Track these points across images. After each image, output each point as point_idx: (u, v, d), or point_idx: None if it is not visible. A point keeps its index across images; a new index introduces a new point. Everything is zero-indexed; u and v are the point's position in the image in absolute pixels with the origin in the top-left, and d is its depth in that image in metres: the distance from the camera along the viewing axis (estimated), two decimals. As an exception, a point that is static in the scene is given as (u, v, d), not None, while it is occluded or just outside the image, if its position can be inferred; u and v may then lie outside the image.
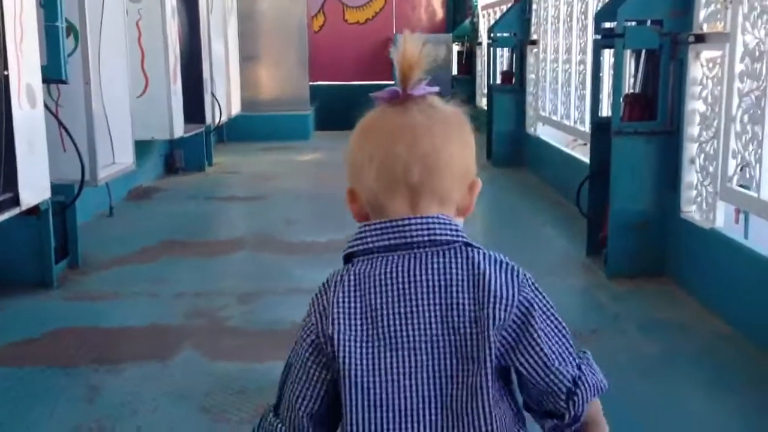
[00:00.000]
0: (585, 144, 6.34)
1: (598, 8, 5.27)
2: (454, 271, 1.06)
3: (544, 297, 1.12)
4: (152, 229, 5.07)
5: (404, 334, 1.03)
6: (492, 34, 7.74)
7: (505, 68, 8.03)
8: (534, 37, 7.22)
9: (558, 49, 6.39)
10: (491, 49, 7.91)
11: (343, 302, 1.06)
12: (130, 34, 5.59)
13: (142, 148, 5.96)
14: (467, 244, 1.09)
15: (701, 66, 3.56)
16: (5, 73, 3.11)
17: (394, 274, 1.04)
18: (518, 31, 7.49)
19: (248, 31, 10.48)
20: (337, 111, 12.44)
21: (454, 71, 12.06)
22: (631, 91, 4.01)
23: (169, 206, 5.95)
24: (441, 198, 1.09)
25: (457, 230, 1.09)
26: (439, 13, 13.19)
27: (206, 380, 2.72)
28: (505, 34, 7.63)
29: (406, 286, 1.04)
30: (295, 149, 9.43)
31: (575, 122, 5.91)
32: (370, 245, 1.06)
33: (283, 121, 10.37)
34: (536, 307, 1.09)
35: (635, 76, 4.03)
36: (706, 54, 3.52)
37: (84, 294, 3.71)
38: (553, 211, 5.58)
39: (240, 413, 2.48)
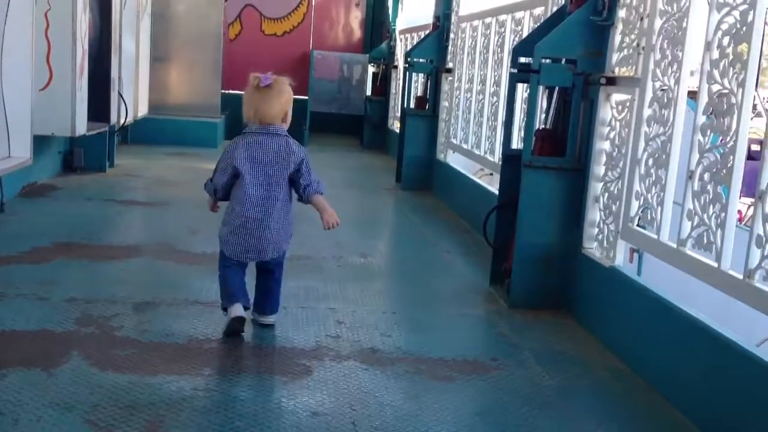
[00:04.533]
0: (491, 174, 6.46)
1: (515, 42, 5.39)
2: (283, 144, 3.22)
3: (307, 155, 3.27)
4: (46, 229, 4.84)
5: (261, 158, 3.19)
6: (409, 59, 7.81)
7: (419, 93, 8.11)
8: (450, 65, 7.32)
9: (472, 79, 6.49)
10: (407, 73, 7.97)
11: (241, 148, 3.20)
12: (38, 24, 5.38)
13: (40, 143, 5.72)
14: (286, 136, 3.24)
15: (611, 108, 3.67)
16: None
17: (260, 140, 3.20)
18: (435, 57, 7.59)
19: (162, 32, 10.26)
20: (247, 121, 12.30)
21: (368, 92, 12.11)
22: (543, 126, 4.09)
23: (65, 206, 5.71)
24: (275, 118, 3.23)
25: (284, 132, 3.25)
26: (357, 32, 13.23)
27: (94, 392, 2.59)
28: (421, 60, 7.71)
29: (263, 144, 3.19)
30: (201, 156, 9.22)
31: (485, 152, 5.99)
32: (250, 131, 3.23)
33: (191, 127, 10.15)
34: (305, 157, 3.25)
35: (547, 112, 4.11)
36: (617, 96, 3.63)
37: (-35, 293, 3.49)
38: (459, 238, 5.63)
39: (128, 428, 2.36)
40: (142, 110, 9.02)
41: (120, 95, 7.44)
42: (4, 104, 4.82)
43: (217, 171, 3.27)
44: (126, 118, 7.68)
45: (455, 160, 7.21)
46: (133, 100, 8.33)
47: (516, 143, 4.52)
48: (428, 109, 7.73)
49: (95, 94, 6.56)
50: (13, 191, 5.65)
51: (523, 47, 4.13)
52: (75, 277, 3.91)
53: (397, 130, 10.84)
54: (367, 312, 3.74)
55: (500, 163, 5.49)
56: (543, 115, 4.16)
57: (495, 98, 5.81)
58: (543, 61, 3.82)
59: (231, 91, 12.41)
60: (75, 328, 3.15)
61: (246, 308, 3.25)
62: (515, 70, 4.16)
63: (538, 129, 4.04)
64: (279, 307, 3.43)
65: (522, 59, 4.14)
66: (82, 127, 5.83)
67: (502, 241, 4.25)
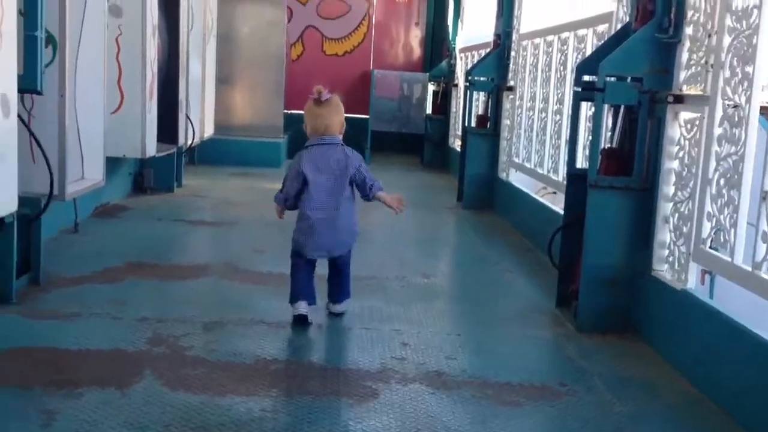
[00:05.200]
0: (554, 193, 6.39)
1: (578, 60, 5.35)
2: (341, 152, 3.71)
3: (362, 159, 3.79)
4: (117, 249, 4.97)
5: (324, 167, 3.66)
6: (470, 77, 7.80)
7: (480, 112, 8.10)
8: (511, 83, 7.30)
9: (535, 97, 6.45)
10: (468, 91, 7.97)
11: (306, 159, 3.69)
12: (109, 49, 5.54)
13: (111, 164, 5.87)
14: (342, 144, 3.75)
15: (679, 126, 3.61)
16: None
17: (321, 151, 3.69)
18: (495, 76, 7.57)
19: (226, 54, 10.45)
20: (309, 140, 12.44)
21: (428, 110, 12.14)
22: (608, 145, 4.04)
23: (135, 226, 5.86)
24: (333, 131, 3.73)
25: (340, 141, 3.76)
26: (417, 51, 13.29)
27: (166, 411, 2.64)
28: (482, 78, 7.70)
29: (324, 153, 3.69)
30: (265, 176, 9.35)
31: (548, 171, 5.94)
32: (312, 144, 3.73)
33: (255, 147, 10.32)
34: (361, 162, 3.74)
35: (613, 130, 4.07)
36: (685, 115, 3.57)
37: (44, 312, 3.60)
38: (523, 258, 5.58)
39: (200, 449, 2.41)
40: (209, 131, 9.20)
41: (187, 117, 7.61)
42: (78, 127, 4.96)
43: (287, 180, 3.77)
44: (193, 140, 7.85)
45: (517, 179, 7.16)
46: (199, 121, 8.51)
47: (580, 162, 4.47)
48: (489, 127, 7.71)
49: (164, 116, 6.72)
50: (86, 212, 5.82)
51: (587, 65, 4.10)
52: (146, 296, 4.00)
53: (458, 149, 10.83)
54: (432, 333, 3.73)
55: (564, 182, 5.46)
56: (608, 134, 4.11)
57: (558, 116, 5.76)
58: (608, 79, 3.78)
59: (293, 111, 12.61)
60: (147, 348, 3.23)
61: (310, 304, 3.73)
62: (579, 89, 4.13)
63: (604, 148, 3.99)
64: (349, 296, 3.90)
65: (586, 77, 4.11)
66: (152, 149, 5.98)
67: (567, 262, 4.20)
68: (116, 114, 5.68)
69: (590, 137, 4.08)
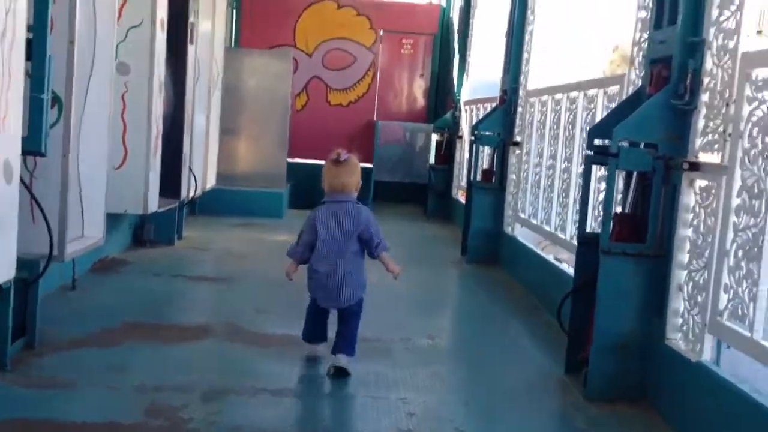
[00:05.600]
0: (553, 245, 6.28)
1: (587, 119, 5.30)
2: (353, 210, 3.92)
3: (373, 217, 3.98)
4: (115, 308, 4.87)
5: (336, 222, 3.89)
6: (476, 132, 7.77)
7: (486, 166, 8.04)
8: (517, 138, 7.26)
9: (542, 154, 6.40)
10: (473, 146, 7.92)
11: (320, 214, 3.93)
12: (115, 106, 5.51)
13: (112, 218, 5.79)
14: (356, 202, 3.95)
15: (695, 194, 3.53)
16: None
17: (335, 208, 3.92)
18: (502, 131, 7.53)
19: (232, 105, 10.45)
20: (313, 189, 12.37)
21: (432, 160, 12.11)
22: (620, 209, 3.96)
23: (134, 282, 5.75)
24: (349, 189, 3.95)
25: (355, 198, 3.97)
26: (421, 102, 13.30)
27: (163, 495, 2.51)
28: (488, 133, 7.66)
29: (338, 210, 3.91)
30: (267, 227, 9.29)
31: (555, 229, 5.86)
32: (328, 201, 3.95)
33: (257, 198, 10.26)
34: (372, 221, 3.94)
35: (625, 195, 3.99)
36: (701, 183, 3.49)
37: (38, 380, 3.48)
38: (529, 318, 5.47)
39: None
40: (211, 182, 9.14)
41: (190, 169, 7.55)
42: (80, 185, 4.90)
43: (302, 234, 4.02)
44: (195, 192, 7.79)
45: (522, 233, 7.08)
46: (202, 172, 8.46)
47: (590, 225, 4.39)
48: (495, 181, 7.65)
49: (167, 169, 6.66)
50: (85, 266, 5.72)
51: (599, 129, 4.05)
52: (144, 362, 3.89)
53: (462, 200, 10.78)
54: (438, 402, 3.62)
55: (571, 240, 5.38)
56: (619, 197, 4.04)
57: (566, 175, 5.70)
58: (621, 144, 3.71)
59: (297, 160, 12.59)
60: (144, 420, 3.10)
61: (321, 343, 4.12)
62: (591, 152, 4.07)
63: (616, 213, 3.91)
64: (353, 352, 3.94)
65: (597, 141, 4.05)
66: (154, 205, 5.91)
67: (577, 327, 4.09)
68: (120, 170, 5.62)
69: (602, 201, 3.99)
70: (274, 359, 4.07)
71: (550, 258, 5.95)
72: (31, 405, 3.20)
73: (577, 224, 5.19)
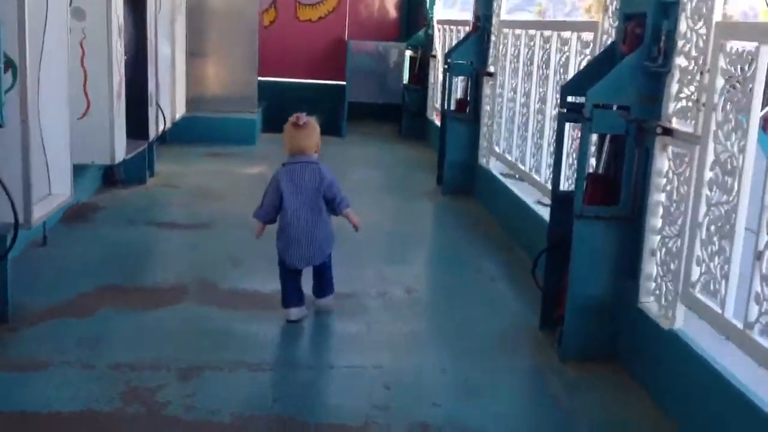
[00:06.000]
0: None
1: (560, 61, 5.20)
2: (315, 170, 4.06)
3: (334, 176, 4.11)
4: (88, 267, 4.83)
5: (299, 183, 4.04)
6: (449, 60, 7.61)
7: (460, 96, 7.92)
8: (491, 68, 7.12)
9: (516, 89, 6.30)
10: (446, 75, 7.78)
11: (283, 175, 4.06)
12: (73, 54, 5.30)
13: (80, 164, 5.67)
14: (317, 163, 4.08)
15: (668, 159, 3.50)
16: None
17: (297, 169, 4.06)
18: (475, 60, 7.38)
19: (196, 27, 10.15)
20: (286, 110, 12.13)
21: (406, 80, 11.92)
22: (594, 170, 3.93)
23: (106, 233, 5.68)
24: (309, 151, 4.10)
25: (315, 159, 4.12)
26: (393, 18, 12.99)
27: (142, 496, 2.54)
28: (461, 62, 7.51)
29: (300, 171, 4.05)
30: (240, 157, 9.18)
31: (530, 169, 5.82)
32: (289, 162, 4.09)
33: (228, 125, 10.09)
34: (333, 181, 4.08)
35: (598, 155, 3.95)
36: (674, 149, 3.46)
37: (12, 362, 3.46)
38: (504, 258, 5.50)
39: None
40: (180, 111, 8.94)
41: (158, 105, 7.37)
42: (44, 143, 4.76)
43: (266, 196, 4.13)
44: (165, 126, 7.63)
45: (496, 166, 7.04)
46: (170, 103, 8.26)
47: (563, 183, 4.36)
48: (469, 112, 7.55)
49: (132, 110, 6.50)
50: (55, 216, 5.63)
51: (571, 87, 3.97)
52: (119, 333, 3.87)
53: (437, 122, 10.68)
54: (415, 371, 3.66)
55: (546, 183, 5.36)
56: (593, 157, 4.00)
57: (540, 116, 5.62)
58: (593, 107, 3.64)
59: (268, 78, 12.33)
60: (120, 407, 3.11)
61: (299, 306, 4.16)
62: (564, 110, 4.00)
63: (589, 173, 3.88)
64: (333, 291, 4.28)
65: (570, 98, 3.98)
66: (121, 153, 5.78)
67: (552, 284, 4.12)
68: (83, 120, 5.46)
69: (575, 162, 3.95)
70: (249, 324, 4.08)
71: (526, 198, 5.92)
72: (6, 393, 3.18)
73: (551, 171, 5.16)
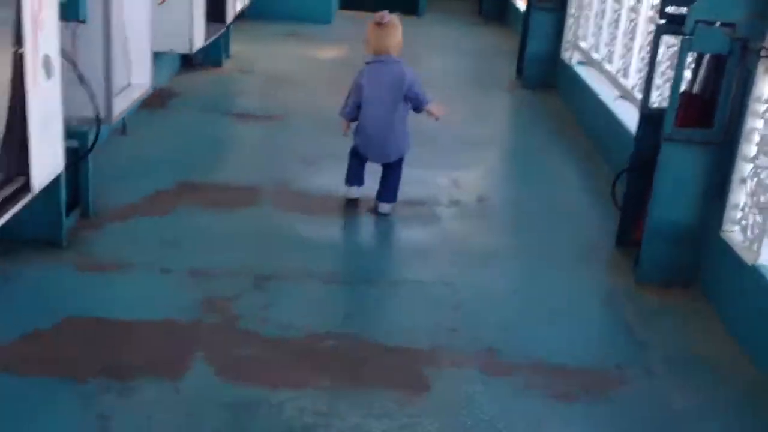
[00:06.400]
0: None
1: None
2: (397, 70, 4.13)
3: (416, 74, 4.21)
4: (166, 160, 4.90)
5: (381, 82, 4.13)
6: (535, -55, 7.20)
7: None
8: (583, -45, 6.72)
9: (608, -18, 5.94)
10: (534, -42, 7.38)
11: (366, 75, 4.17)
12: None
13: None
14: (399, 62, 4.16)
15: (771, 85, 3.27)
16: (20, 51, 2.84)
17: (379, 69, 4.14)
18: (565, -56, 6.97)
19: None
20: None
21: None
22: (688, 89, 3.71)
23: (183, 121, 5.71)
24: (391, 51, 4.16)
25: (397, 59, 4.17)
26: None
27: (218, 413, 2.63)
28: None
29: (382, 70, 4.15)
30: (316, 38, 9.04)
31: (618, 72, 5.56)
32: (372, 62, 4.18)
33: (304, 1, 9.88)
34: (415, 79, 4.15)
35: (694, 74, 3.72)
36: (779, 74, 3.22)
37: (95, 261, 3.57)
38: (585, 166, 5.37)
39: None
40: (256, -11, 8.77)
41: (234, -16, 7.22)
42: (124, 26, 4.71)
43: (350, 95, 4.26)
44: (243, 6, 7.50)
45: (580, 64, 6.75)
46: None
47: (654, 99, 4.14)
48: (555, 1, 7.19)
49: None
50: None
51: (673, -2, 3.70)
52: (195, 235, 3.93)
53: (518, 3, 10.24)
54: (485, 290, 3.64)
55: (633, 89, 5.12)
56: (687, 76, 3.77)
57: (634, 15, 5.30)
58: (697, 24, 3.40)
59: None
60: (198, 318, 3.19)
61: (360, 186, 4.38)
62: (663, 21, 3.76)
63: (683, 92, 3.67)
64: (395, 198, 4.32)
65: (670, 8, 3.72)
66: (200, 41, 5.72)
67: (631, 204, 4.00)
68: (162, 5, 5.39)
69: (671, 80, 3.73)
70: (322, 229, 4.11)
71: (607, 100, 5.68)
72: (88, 298, 3.28)
73: (642, 77, 4.93)
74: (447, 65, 8.34)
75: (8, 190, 2.84)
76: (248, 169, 4.90)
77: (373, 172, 4.38)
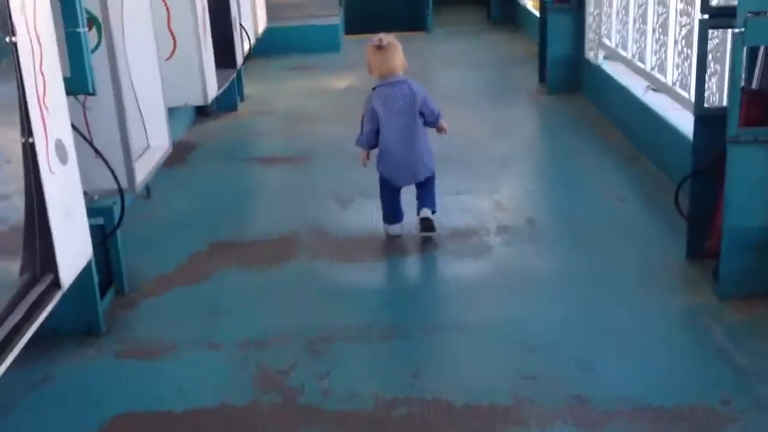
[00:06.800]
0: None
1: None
2: (408, 89, 4.07)
3: (425, 90, 4.16)
4: (194, 219, 4.70)
5: (394, 104, 4.04)
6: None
7: (559, -18, 7.27)
8: (595, -50, 6.46)
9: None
10: (544, -41, 7.14)
11: (377, 99, 4.06)
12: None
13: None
14: (407, 80, 4.09)
15: None
16: (30, 141, 2.62)
17: (389, 90, 4.06)
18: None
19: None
20: (367, 6, 11.64)
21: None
22: (746, 85, 3.43)
23: (206, 174, 5.51)
24: (397, 70, 4.09)
25: (404, 77, 4.10)
26: None
27: None
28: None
29: (391, 93, 4.06)
30: (326, 68, 8.84)
31: (653, 68, 5.28)
32: (380, 85, 4.08)
33: (311, 33, 9.69)
34: (426, 96, 4.10)
35: (750, 68, 3.44)
36: None
37: (137, 346, 3.33)
38: (629, 171, 5.08)
39: None
40: (262, 24, 8.58)
41: (241, 26, 7.03)
42: (136, 95, 4.53)
43: (364, 123, 4.13)
44: (250, 48, 7.31)
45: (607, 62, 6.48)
46: (252, 19, 7.91)
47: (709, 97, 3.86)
48: (572, 1, 6.92)
49: (217, 39, 6.21)
50: (153, 162, 5.47)
51: (718, -12, 3.43)
52: (239, 300, 3.70)
53: (528, 5, 10.00)
54: (554, 324, 3.36)
55: (674, 85, 4.84)
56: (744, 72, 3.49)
57: (662, 8, 5.03)
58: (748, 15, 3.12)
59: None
60: (255, 398, 2.93)
61: (400, 221, 4.25)
62: (706, 16, 3.48)
63: (743, 89, 3.38)
64: (435, 208, 4.20)
65: (714, 1, 3.45)
66: (213, 89, 5.51)
67: (699, 213, 3.72)
68: (170, 60, 5.19)
69: (728, 79, 3.46)
70: (368, 277, 3.88)
71: (645, 97, 5.40)
72: (135, 388, 3.05)
73: (681, 72, 4.66)
74: (464, 78, 8.10)
75: (36, 291, 2.60)
76: (279, 218, 4.66)
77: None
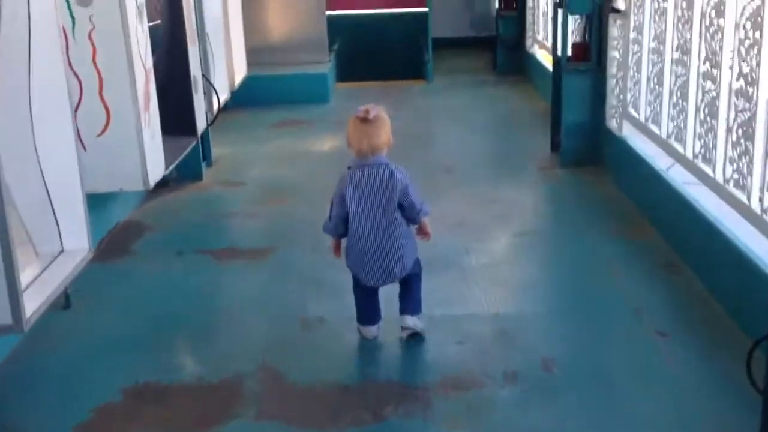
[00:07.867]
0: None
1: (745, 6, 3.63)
2: (387, 174, 3.40)
3: (409, 178, 3.45)
4: (119, 346, 3.66)
5: (368, 191, 3.39)
6: (561, -6, 6.03)
7: (577, 39, 6.31)
8: (619, 4, 5.53)
9: (661, 39, 4.73)
10: (558, 11, 6.20)
11: (349, 183, 3.40)
12: (80, 51, 4.07)
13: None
14: (388, 164, 3.41)
15: None
16: None
17: (365, 174, 3.40)
18: (596, -7, 5.79)
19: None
20: (360, 51, 10.76)
21: (497, 5, 10.30)
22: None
23: (148, 274, 4.48)
24: (379, 151, 3.41)
25: (386, 160, 3.43)
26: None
27: None
28: (580, -5, 5.91)
29: (370, 178, 3.40)
30: (314, 124, 7.89)
31: (695, 156, 4.30)
32: (355, 166, 3.43)
33: (297, 82, 8.76)
34: (409, 184, 3.43)
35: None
36: None
37: None
38: (670, 289, 4.05)
39: None
40: (240, 74, 7.65)
41: (207, 81, 6.10)
42: (44, 178, 3.59)
43: (333, 207, 3.52)
44: (218, 108, 6.36)
45: (633, 132, 5.50)
46: (226, 71, 6.98)
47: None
48: (592, 61, 5.97)
49: (176, 101, 5.30)
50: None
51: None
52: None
53: (538, 56, 9.12)
54: None
55: (726, 182, 3.88)
56: None
57: (709, 83, 4.07)
58: None
59: (338, 12, 10.87)
60: None
61: (377, 323, 3.63)
62: None
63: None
64: (420, 310, 3.61)
65: None
66: (157, 172, 4.50)
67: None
68: (102, 136, 4.23)
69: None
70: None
71: (685, 188, 4.43)
72: None
73: (733, 170, 3.69)
74: (464, 143, 7.13)
75: None
76: (225, 349, 3.62)
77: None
